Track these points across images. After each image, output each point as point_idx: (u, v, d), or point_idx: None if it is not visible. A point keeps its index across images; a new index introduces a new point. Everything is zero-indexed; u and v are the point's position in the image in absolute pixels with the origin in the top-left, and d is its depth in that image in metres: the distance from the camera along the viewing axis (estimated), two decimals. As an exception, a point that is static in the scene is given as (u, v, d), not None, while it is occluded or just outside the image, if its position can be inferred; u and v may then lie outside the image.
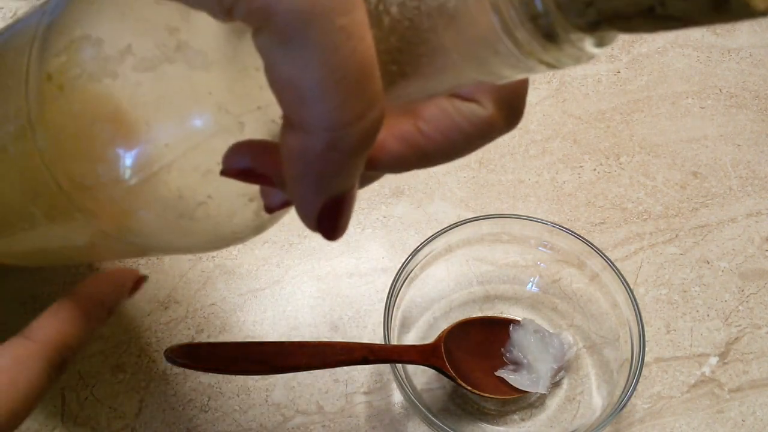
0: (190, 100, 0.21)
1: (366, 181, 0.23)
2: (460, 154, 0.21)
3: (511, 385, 0.41)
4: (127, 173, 0.22)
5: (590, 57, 0.16)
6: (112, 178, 0.22)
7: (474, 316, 0.44)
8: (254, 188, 0.23)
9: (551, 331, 0.43)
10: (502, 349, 0.42)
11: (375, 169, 0.20)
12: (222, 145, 0.20)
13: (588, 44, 0.16)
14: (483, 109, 0.20)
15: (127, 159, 0.22)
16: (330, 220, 0.19)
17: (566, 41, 0.15)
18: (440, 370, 0.40)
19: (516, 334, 0.42)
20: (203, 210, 0.23)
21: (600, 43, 0.16)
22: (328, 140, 0.17)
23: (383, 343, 0.39)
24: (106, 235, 0.26)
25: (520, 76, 0.18)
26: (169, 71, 0.20)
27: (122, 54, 0.21)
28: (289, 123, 0.17)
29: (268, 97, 0.17)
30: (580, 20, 0.15)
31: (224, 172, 0.20)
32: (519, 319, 0.43)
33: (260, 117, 0.21)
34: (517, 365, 0.42)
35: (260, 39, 0.16)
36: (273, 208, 0.23)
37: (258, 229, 0.25)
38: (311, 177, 0.18)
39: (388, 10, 0.17)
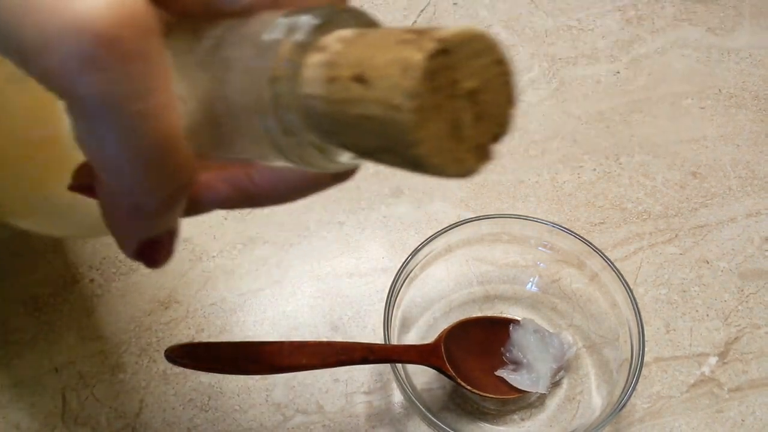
0: (49, 114, 0.23)
1: (196, 212, 0.24)
2: (288, 200, 0.22)
3: (510, 384, 0.41)
4: None
5: (347, 166, 0.19)
6: None
7: (474, 316, 0.44)
8: None
9: (551, 330, 0.43)
10: (502, 349, 0.42)
11: (200, 206, 0.22)
12: (80, 159, 0.21)
13: (345, 157, 0.18)
14: None
15: None
16: (149, 255, 0.20)
17: (311, 155, 0.18)
18: (440, 369, 0.40)
19: (516, 334, 0.42)
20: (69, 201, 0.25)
21: (353, 158, 0.19)
22: (131, 204, 0.18)
23: (383, 343, 0.39)
24: None
25: (295, 168, 0.19)
26: (34, 86, 0.22)
27: None
28: (98, 179, 0.18)
29: None
30: (323, 142, 0.17)
31: (71, 187, 0.21)
32: (519, 318, 0.43)
33: None
34: (517, 365, 0.42)
35: (65, 107, 0.16)
36: None
37: None
38: (121, 228, 0.19)
39: (196, 93, 0.18)
